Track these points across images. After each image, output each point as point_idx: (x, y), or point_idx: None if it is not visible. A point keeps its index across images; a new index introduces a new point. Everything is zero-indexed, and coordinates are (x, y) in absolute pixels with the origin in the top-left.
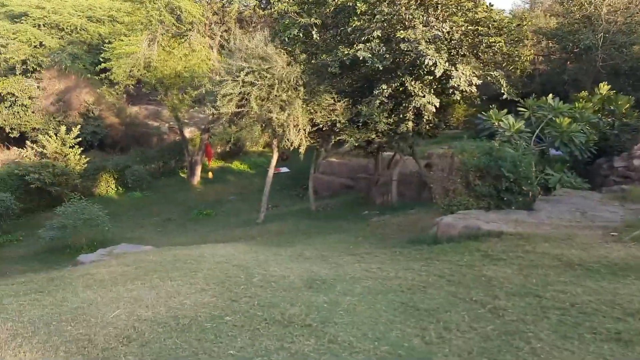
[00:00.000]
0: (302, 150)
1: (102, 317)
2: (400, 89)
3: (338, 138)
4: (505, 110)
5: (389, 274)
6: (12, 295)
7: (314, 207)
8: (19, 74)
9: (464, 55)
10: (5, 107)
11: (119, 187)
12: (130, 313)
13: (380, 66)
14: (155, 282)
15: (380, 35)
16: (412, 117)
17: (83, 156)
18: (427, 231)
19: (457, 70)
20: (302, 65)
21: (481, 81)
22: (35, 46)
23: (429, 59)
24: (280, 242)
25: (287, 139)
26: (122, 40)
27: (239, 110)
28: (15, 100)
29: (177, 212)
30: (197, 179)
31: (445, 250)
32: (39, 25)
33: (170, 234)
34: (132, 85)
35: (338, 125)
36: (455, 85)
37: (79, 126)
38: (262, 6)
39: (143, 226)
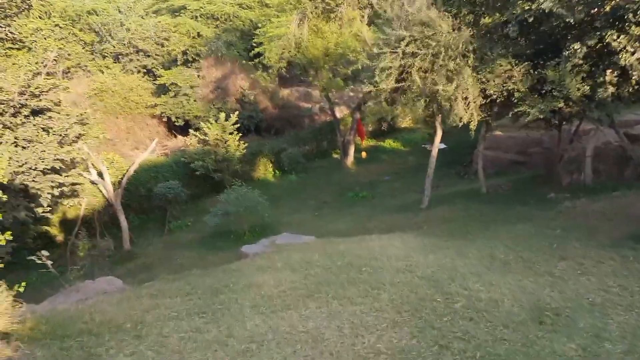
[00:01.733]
0: (472, 126)
1: None
2: (598, 46)
3: (517, 110)
4: None
5: None
6: (174, 318)
7: (485, 188)
8: (180, 64)
9: None
10: (170, 97)
11: (276, 171)
12: None
13: (572, 20)
14: (332, 305)
15: None
16: (615, 79)
17: (242, 142)
18: None
19: None
20: (470, 29)
21: None
22: (193, 37)
23: None
24: (454, 233)
25: (455, 114)
26: (272, 22)
27: (398, 85)
28: (179, 90)
29: (333, 195)
30: (350, 159)
31: None
32: (196, 17)
33: (328, 218)
34: (283, 68)
35: (516, 94)
36: None
37: (237, 112)
38: None
39: (300, 210)
